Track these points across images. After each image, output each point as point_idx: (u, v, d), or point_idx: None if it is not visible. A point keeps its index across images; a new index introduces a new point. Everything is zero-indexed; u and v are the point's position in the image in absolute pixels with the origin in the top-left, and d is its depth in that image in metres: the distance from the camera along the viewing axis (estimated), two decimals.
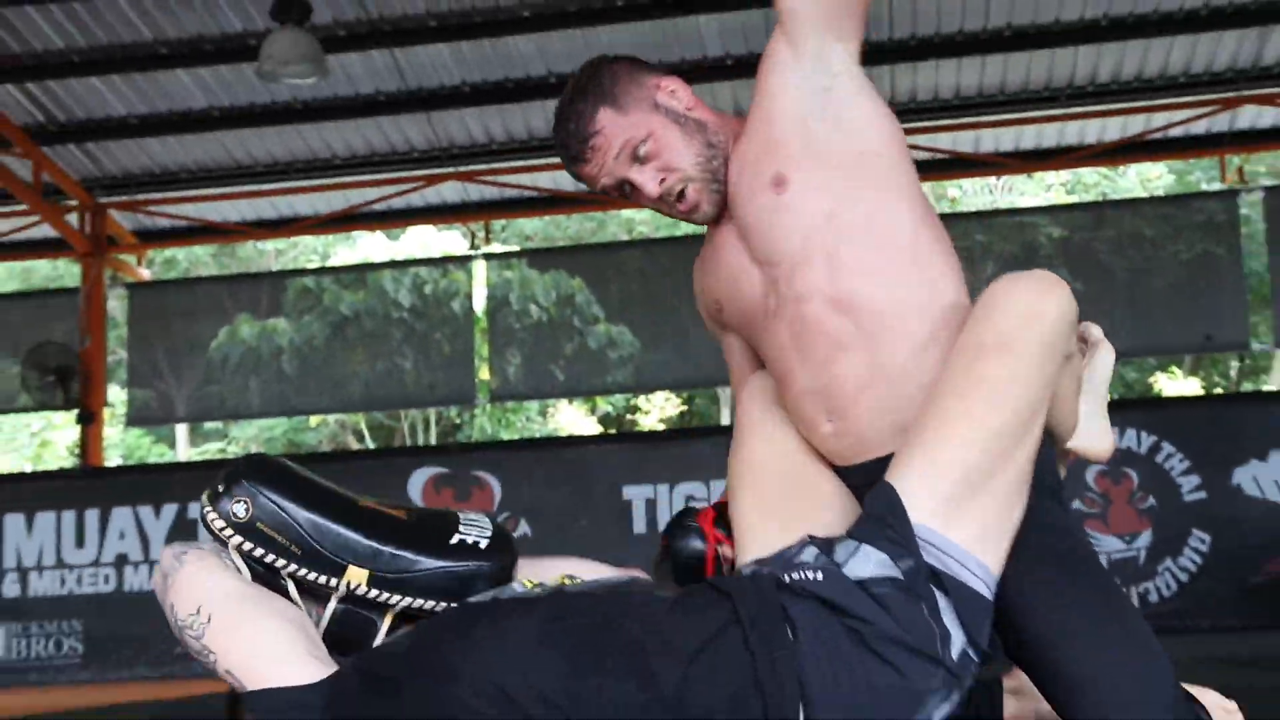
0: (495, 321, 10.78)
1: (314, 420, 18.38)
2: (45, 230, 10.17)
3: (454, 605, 1.90)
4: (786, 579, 1.82)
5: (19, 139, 9.18)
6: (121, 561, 8.05)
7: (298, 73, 7.99)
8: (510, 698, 1.69)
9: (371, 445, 19.16)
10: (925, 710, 1.74)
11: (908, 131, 8.75)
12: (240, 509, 1.87)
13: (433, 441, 18.80)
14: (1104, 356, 2.28)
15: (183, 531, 7.96)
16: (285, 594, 1.91)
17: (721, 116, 2.20)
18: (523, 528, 7.66)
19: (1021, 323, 1.85)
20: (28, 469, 18.36)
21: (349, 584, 1.87)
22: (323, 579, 1.88)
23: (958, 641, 1.77)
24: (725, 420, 18.38)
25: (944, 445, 1.83)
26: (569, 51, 8.78)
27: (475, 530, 1.98)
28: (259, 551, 1.87)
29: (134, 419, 10.76)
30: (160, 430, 19.01)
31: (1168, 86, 9.15)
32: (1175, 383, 19.46)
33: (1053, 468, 2.07)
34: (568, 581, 1.97)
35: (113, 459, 15.80)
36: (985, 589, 1.80)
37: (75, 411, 9.82)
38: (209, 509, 1.89)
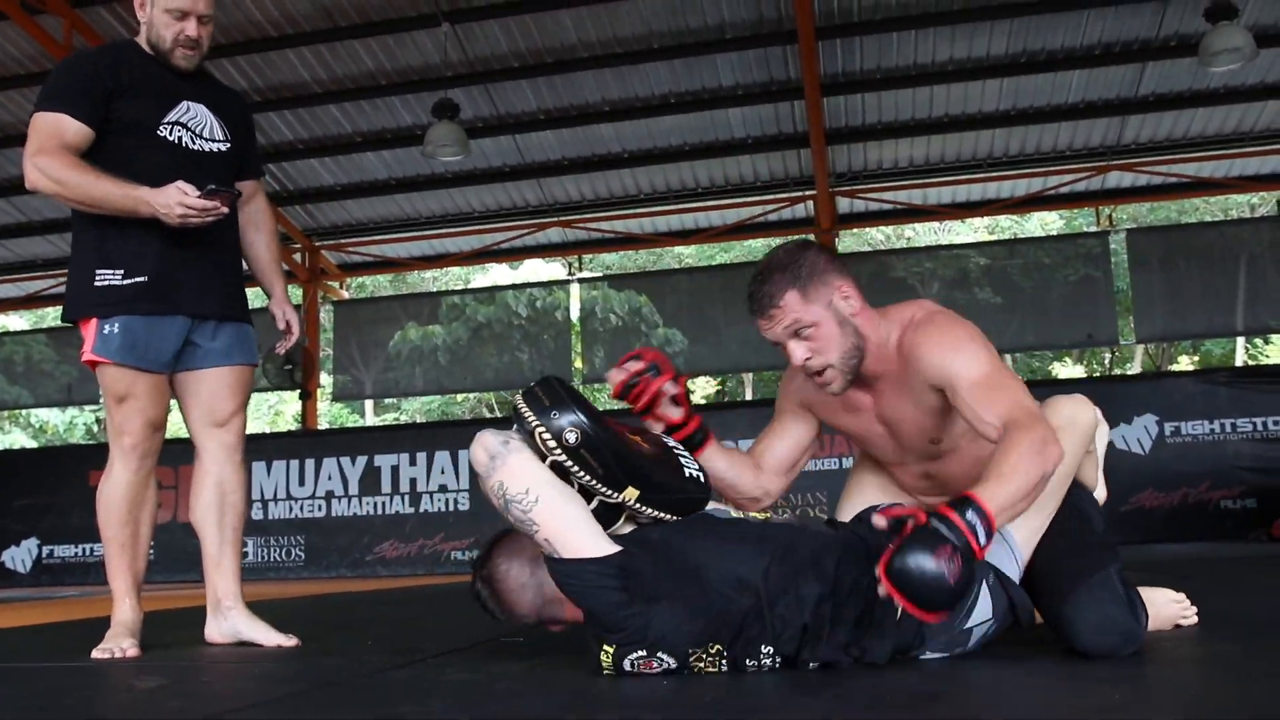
0: (586, 326, 10.85)
1: (460, 397, 18.50)
2: None
3: (686, 517, 1.90)
4: None
5: None
6: (329, 496, 8.11)
7: (450, 152, 8.04)
8: (745, 583, 1.76)
9: (499, 415, 19.26)
10: (926, 646, 1.82)
11: (878, 190, 8.74)
12: (572, 437, 1.73)
13: None
14: (1101, 430, 2.22)
15: (370, 476, 8.03)
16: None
17: (871, 318, 2.01)
18: None
19: (1064, 424, 1.91)
20: (266, 430, 18.60)
21: (625, 500, 1.79)
22: (610, 493, 1.78)
23: (976, 617, 1.81)
24: (749, 396, 18.35)
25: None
26: (635, 135, 8.80)
27: (694, 466, 1.95)
28: (573, 468, 1.75)
29: (337, 396, 10.88)
30: (354, 404, 19.22)
31: (1058, 157, 9.06)
32: (1066, 368, 19.21)
33: (1097, 508, 2.10)
34: (760, 516, 2.03)
35: (323, 424, 15.99)
36: (1015, 568, 1.86)
37: (298, 391, 9.95)
38: (539, 423, 1.74)
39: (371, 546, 7.91)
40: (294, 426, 17.27)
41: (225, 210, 2.50)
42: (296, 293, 10.34)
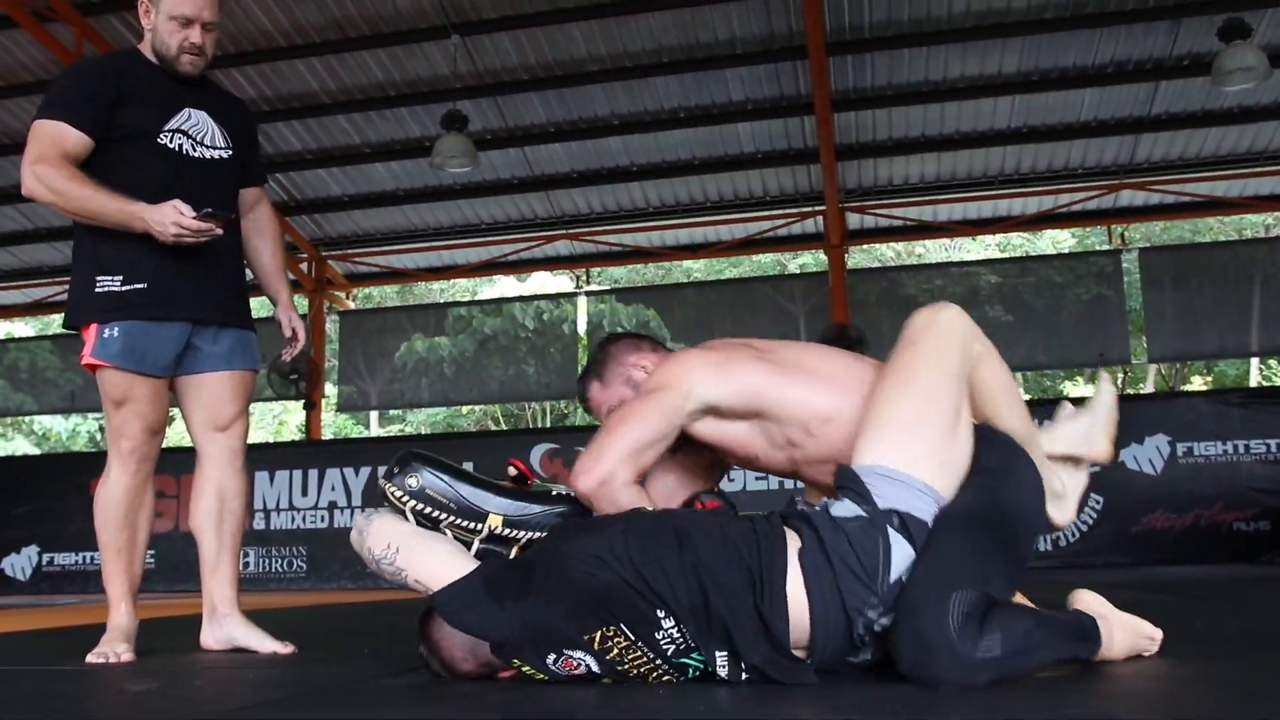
0: (593, 340, 10.81)
1: (465, 409, 18.47)
2: None
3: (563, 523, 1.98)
4: (799, 509, 1.85)
5: None
6: (332, 506, 8.09)
7: (458, 164, 8.05)
8: (603, 560, 1.75)
9: (505, 427, 19.25)
10: (862, 615, 1.71)
11: (889, 206, 8.71)
12: (413, 482, 1.93)
13: (548, 425, 18.83)
14: (1104, 387, 2.19)
15: (374, 486, 8.03)
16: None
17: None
18: None
19: (921, 328, 1.89)
20: (269, 440, 18.62)
21: (490, 527, 1.93)
22: (471, 524, 1.93)
23: (899, 565, 1.72)
24: None
25: (881, 412, 1.83)
26: (644, 148, 8.82)
27: (564, 489, 2.04)
28: (427, 510, 1.93)
29: (342, 407, 10.87)
30: (359, 415, 19.21)
31: (1070, 175, 9.04)
32: (1078, 388, 19.14)
33: (1001, 451, 1.91)
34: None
35: (327, 435, 15.98)
36: (930, 502, 1.76)
37: (303, 401, 9.95)
38: (388, 484, 1.96)
39: None
40: (298, 437, 17.27)
41: (219, 232, 2.52)
42: (302, 303, 10.38)
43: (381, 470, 2.01)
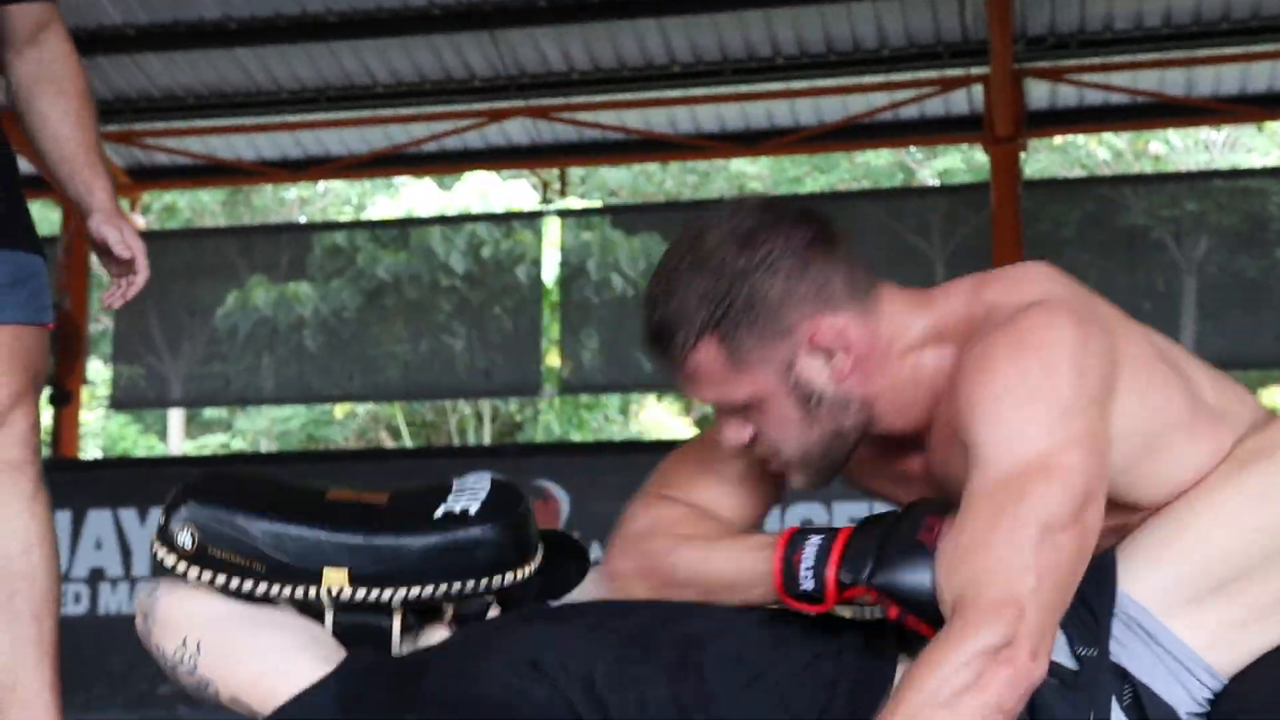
0: (569, 294, 10.87)
1: (340, 410, 18.58)
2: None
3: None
4: None
5: None
6: (96, 577, 8.22)
7: None
8: (541, 670, 1.83)
9: (410, 444, 19.25)
10: None
11: (1101, 69, 8.59)
12: (186, 538, 1.95)
13: (486, 441, 18.86)
14: None
15: None
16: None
17: (884, 356, 1.95)
18: (595, 553, 7.53)
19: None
20: None
21: (330, 590, 1.93)
22: (299, 591, 1.94)
23: None
24: None
25: (1189, 526, 1.85)
26: None
27: (466, 496, 2.01)
28: (220, 580, 1.94)
29: (119, 401, 10.81)
30: (150, 416, 19.24)
31: None
32: None
33: None
34: None
35: (91, 450, 15.98)
36: (1191, 700, 1.82)
37: (47, 390, 9.80)
38: (157, 545, 1.99)
39: None
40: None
41: None
42: (50, 215, 10.28)
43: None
